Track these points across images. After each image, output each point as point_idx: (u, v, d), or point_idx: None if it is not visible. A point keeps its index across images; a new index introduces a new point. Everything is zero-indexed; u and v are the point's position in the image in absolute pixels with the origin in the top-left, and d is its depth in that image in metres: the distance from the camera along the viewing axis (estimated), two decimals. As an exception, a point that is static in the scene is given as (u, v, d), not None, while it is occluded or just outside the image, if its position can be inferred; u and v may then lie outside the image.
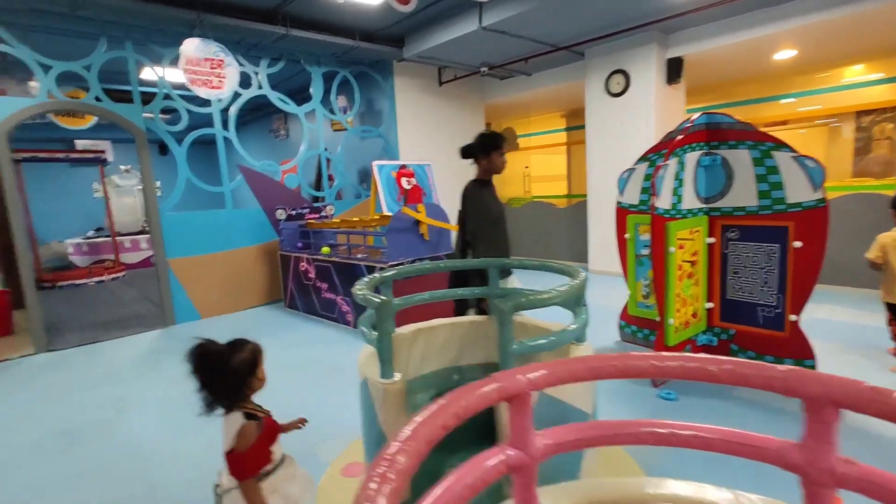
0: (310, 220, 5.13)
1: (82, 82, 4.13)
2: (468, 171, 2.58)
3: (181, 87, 4.45)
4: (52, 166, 9.41)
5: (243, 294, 5.15)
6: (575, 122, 9.05)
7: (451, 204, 6.67)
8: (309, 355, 3.58)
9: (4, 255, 4.70)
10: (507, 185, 9.53)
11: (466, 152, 2.49)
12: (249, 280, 5.19)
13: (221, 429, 1.35)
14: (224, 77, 4.43)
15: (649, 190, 2.95)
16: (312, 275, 4.58)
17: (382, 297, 1.57)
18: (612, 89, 5.50)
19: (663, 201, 2.64)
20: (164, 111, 6.15)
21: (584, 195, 6.45)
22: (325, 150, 5.85)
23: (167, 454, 2.32)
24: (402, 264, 3.82)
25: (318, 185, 6.84)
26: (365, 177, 6.84)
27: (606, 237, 5.73)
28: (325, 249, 4.58)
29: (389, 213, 5.30)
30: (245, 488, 1.30)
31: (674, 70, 5.29)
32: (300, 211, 5.14)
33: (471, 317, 2.17)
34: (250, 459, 1.32)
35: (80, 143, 9.23)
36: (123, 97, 4.33)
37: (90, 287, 7.25)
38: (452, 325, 2.06)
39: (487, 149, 2.42)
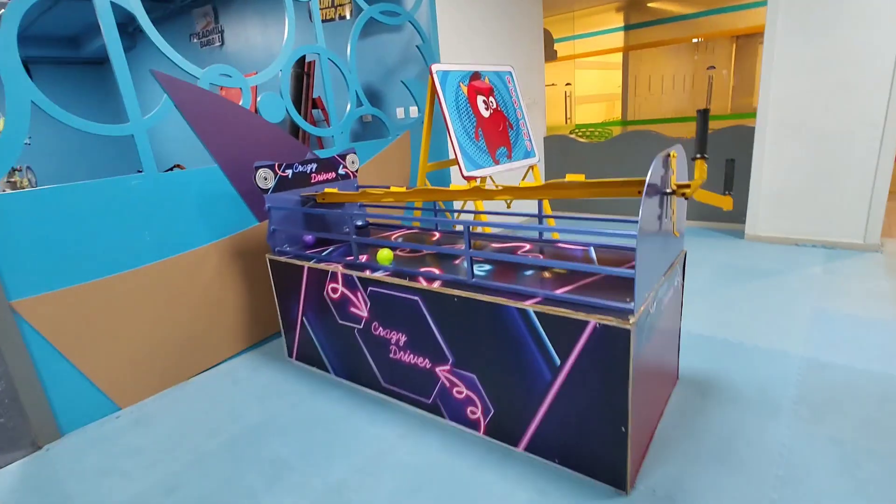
0: (328, 189, 2.58)
1: None
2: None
3: None
4: None
5: (200, 343, 2.61)
6: (637, 17, 6.61)
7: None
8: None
9: None
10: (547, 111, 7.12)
11: None
12: (208, 314, 2.63)
13: None
14: None
15: None
16: (363, 310, 2.14)
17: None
18: (840, -75, 3.15)
19: None
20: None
21: (747, 115, 4.25)
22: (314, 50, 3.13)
23: None
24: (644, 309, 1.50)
25: (303, 114, 4.13)
26: (373, 99, 4.19)
27: (793, 185, 3.63)
28: (386, 255, 2.11)
29: (475, 171, 2.89)
30: None
31: None
32: (301, 169, 2.54)
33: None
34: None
35: None
36: None
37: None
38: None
39: None
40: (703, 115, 1.44)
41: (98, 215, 2.18)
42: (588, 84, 7.06)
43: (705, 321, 2.65)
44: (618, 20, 6.58)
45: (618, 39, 6.64)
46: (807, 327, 2.50)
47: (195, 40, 5.83)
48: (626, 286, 1.61)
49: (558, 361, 1.56)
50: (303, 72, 4.13)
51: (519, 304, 1.59)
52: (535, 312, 1.56)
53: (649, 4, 6.31)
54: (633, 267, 1.69)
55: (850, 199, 3.49)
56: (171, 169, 5.70)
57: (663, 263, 1.67)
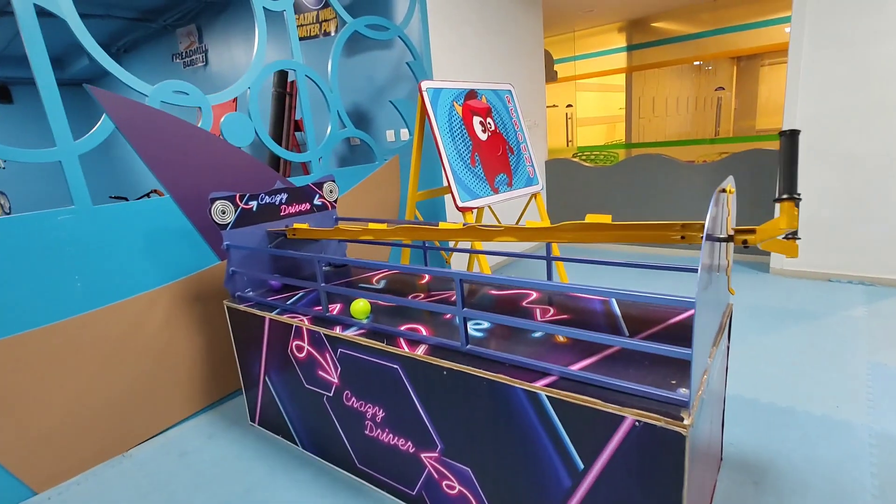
0: (297, 224, 2.21)
1: None
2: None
3: None
4: None
5: (142, 407, 2.20)
6: (640, 37, 6.38)
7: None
8: None
9: None
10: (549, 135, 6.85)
11: None
12: (154, 371, 2.23)
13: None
14: None
15: None
16: (332, 375, 1.74)
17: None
18: (872, -69, 2.88)
19: None
20: None
21: (754, 139, 3.93)
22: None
23: None
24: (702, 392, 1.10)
25: (281, 139, 3.80)
26: (361, 120, 3.88)
27: (824, 214, 3.27)
28: (361, 307, 1.72)
29: (470, 202, 2.55)
30: None
31: None
32: (270, 200, 2.18)
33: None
34: None
35: None
36: None
37: None
38: None
39: None
40: (791, 140, 1.07)
41: (12, 259, 1.80)
42: (590, 105, 6.80)
43: (744, 379, 2.25)
44: (620, 40, 6.35)
45: (620, 60, 6.40)
46: (866, 387, 2.10)
47: (178, 60, 5.55)
48: (666, 356, 1.23)
49: (581, 465, 1.16)
50: (284, 91, 3.81)
51: (527, 386, 1.20)
52: (549, 398, 1.17)
53: (652, 24, 6.09)
54: (674, 326, 1.30)
55: (890, 231, 3.13)
56: (148, 195, 5.35)
57: (715, 327, 1.29)
